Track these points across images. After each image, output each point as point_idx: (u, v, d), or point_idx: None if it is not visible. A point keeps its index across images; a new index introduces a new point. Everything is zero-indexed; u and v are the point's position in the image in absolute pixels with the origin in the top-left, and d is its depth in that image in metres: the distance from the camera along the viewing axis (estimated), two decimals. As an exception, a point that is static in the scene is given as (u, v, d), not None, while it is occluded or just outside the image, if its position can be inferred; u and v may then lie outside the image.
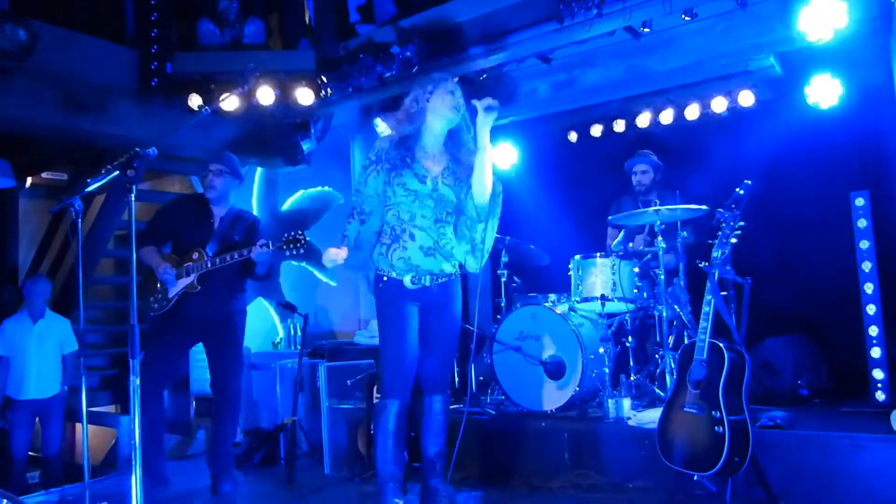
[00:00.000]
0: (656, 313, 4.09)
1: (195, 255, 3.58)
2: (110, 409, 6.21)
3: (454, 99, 2.82)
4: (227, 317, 3.67)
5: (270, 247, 3.43)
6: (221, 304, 3.64)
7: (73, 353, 4.66)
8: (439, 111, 2.82)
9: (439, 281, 2.86)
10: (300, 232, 3.43)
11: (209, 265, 3.53)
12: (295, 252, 3.40)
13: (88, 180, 2.48)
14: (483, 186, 2.79)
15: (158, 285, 3.63)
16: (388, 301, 2.85)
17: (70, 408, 4.83)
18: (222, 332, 3.66)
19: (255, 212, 6.16)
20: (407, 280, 2.82)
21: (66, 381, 4.67)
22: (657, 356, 4.11)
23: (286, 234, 3.42)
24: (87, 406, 2.76)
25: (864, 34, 3.88)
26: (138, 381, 2.27)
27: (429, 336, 2.90)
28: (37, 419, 4.67)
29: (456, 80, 2.93)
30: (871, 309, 3.60)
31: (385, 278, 2.85)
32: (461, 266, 2.96)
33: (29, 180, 6.52)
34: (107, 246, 5.88)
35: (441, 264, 2.85)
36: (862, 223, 3.65)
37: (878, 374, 3.57)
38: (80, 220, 2.64)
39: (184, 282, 3.57)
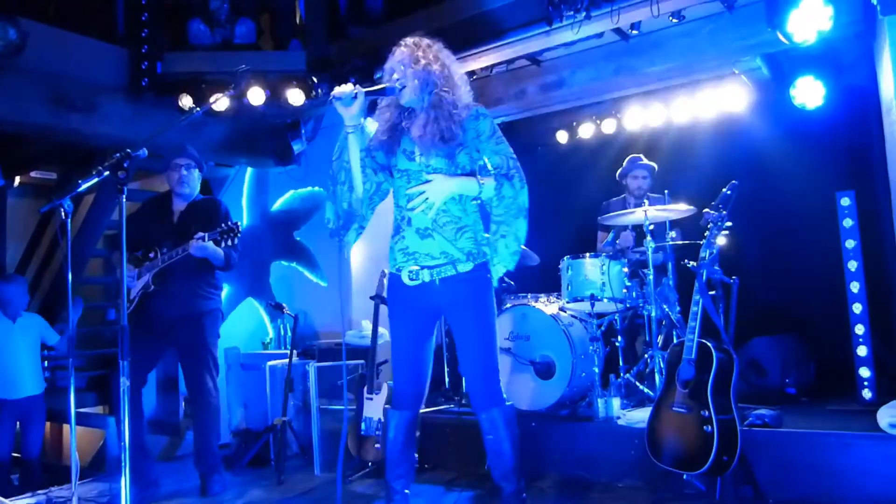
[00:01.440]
0: (645, 313, 4.13)
1: (151, 255, 3.56)
2: (97, 409, 6.17)
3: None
4: (192, 317, 3.61)
5: (206, 240, 3.37)
6: (183, 302, 3.58)
7: (62, 339, 4.62)
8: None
9: (443, 275, 2.53)
10: (234, 222, 3.41)
11: (159, 263, 3.51)
12: (231, 243, 3.37)
13: (79, 181, 2.47)
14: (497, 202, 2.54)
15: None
16: (389, 300, 2.70)
17: (55, 409, 4.79)
18: (188, 333, 3.61)
19: (244, 212, 6.15)
20: (405, 276, 2.57)
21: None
22: (646, 356, 4.14)
23: (222, 225, 3.40)
24: (75, 407, 2.74)
25: (849, 37, 3.93)
26: (128, 383, 2.26)
27: (456, 344, 2.66)
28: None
29: None
30: (857, 308, 3.64)
31: (388, 274, 2.69)
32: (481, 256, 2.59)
33: (17, 179, 6.47)
34: (96, 246, 5.85)
35: (443, 247, 2.52)
36: (848, 223, 3.69)
37: (864, 372, 3.61)
38: (69, 221, 2.63)
39: (141, 282, 3.55)
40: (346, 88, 2.45)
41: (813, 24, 3.57)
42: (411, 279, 2.56)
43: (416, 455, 2.77)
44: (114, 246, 6.11)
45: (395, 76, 2.55)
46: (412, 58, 2.55)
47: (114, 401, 3.57)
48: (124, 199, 2.40)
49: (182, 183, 3.67)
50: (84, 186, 2.50)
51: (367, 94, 2.47)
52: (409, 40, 2.60)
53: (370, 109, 2.88)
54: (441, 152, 2.53)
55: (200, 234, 3.38)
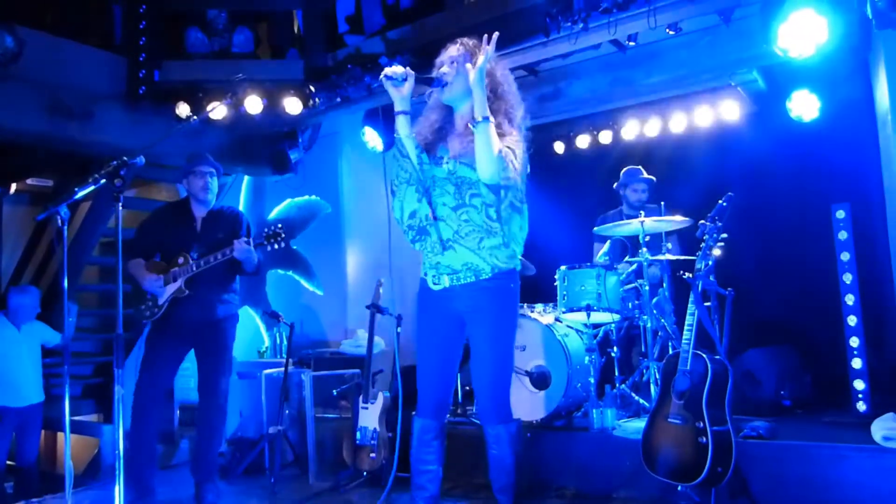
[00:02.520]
0: (641, 324, 4.13)
1: (180, 260, 3.58)
2: (93, 418, 6.14)
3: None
4: (217, 321, 3.66)
5: (251, 244, 3.43)
6: (212, 307, 3.63)
7: (65, 334, 4.62)
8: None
9: (463, 281, 2.49)
10: (279, 226, 3.46)
11: (194, 268, 3.53)
12: (276, 246, 3.43)
13: (76, 189, 2.47)
14: (482, 157, 2.35)
15: (148, 294, 3.63)
16: (418, 305, 2.63)
17: (51, 417, 4.77)
18: (212, 338, 3.65)
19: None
20: (429, 280, 2.56)
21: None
22: (642, 366, 4.14)
23: (266, 230, 3.46)
24: (70, 415, 2.73)
25: (845, 50, 3.96)
26: (122, 392, 2.25)
27: (472, 353, 2.58)
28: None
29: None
30: (852, 320, 3.65)
31: (420, 279, 2.63)
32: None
33: (13, 186, 6.47)
34: (92, 253, 5.84)
35: (464, 258, 2.48)
36: (843, 235, 3.70)
37: (859, 384, 3.61)
38: (65, 228, 2.63)
39: (172, 287, 3.57)
40: (399, 69, 2.41)
41: (809, 38, 3.59)
42: (435, 284, 2.54)
43: (441, 469, 2.65)
44: (111, 253, 6.11)
45: (445, 69, 2.50)
46: (458, 56, 2.51)
47: (114, 409, 3.56)
48: (120, 208, 2.40)
49: (207, 189, 3.70)
50: (80, 194, 2.50)
51: (416, 79, 2.44)
52: (468, 40, 2.55)
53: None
54: (468, 159, 2.45)
55: (245, 238, 3.44)
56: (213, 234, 3.63)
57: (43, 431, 5.07)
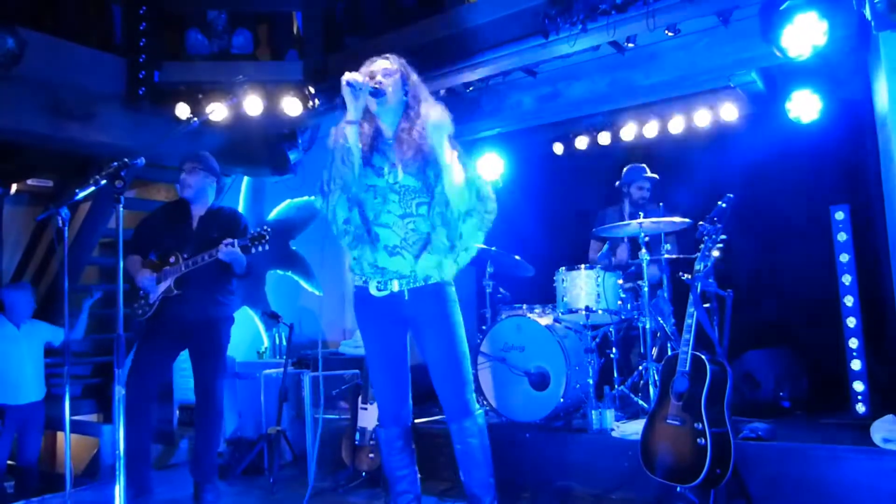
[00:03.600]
0: (640, 325, 4.13)
1: (171, 259, 3.58)
2: (93, 417, 6.15)
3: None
4: (210, 322, 3.65)
5: (236, 245, 3.39)
6: (203, 307, 3.62)
7: (75, 329, 4.63)
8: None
9: (412, 286, 2.53)
10: (265, 228, 3.44)
11: (183, 268, 3.53)
12: (261, 248, 3.39)
13: (76, 190, 2.47)
14: (455, 194, 2.45)
15: (141, 292, 3.64)
16: (357, 313, 2.66)
17: (51, 416, 4.78)
18: (206, 338, 3.64)
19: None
20: (372, 287, 2.56)
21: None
22: (641, 368, 4.15)
23: (251, 232, 3.43)
24: (70, 415, 2.74)
25: (844, 51, 3.96)
26: (123, 392, 2.26)
27: (425, 355, 2.61)
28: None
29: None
30: (851, 322, 3.65)
31: (354, 287, 2.64)
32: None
33: (14, 187, 6.48)
34: (92, 253, 5.84)
35: (412, 265, 2.52)
36: (842, 237, 3.71)
37: (858, 386, 3.61)
38: (66, 229, 2.63)
39: (163, 286, 3.57)
40: (359, 78, 2.44)
41: (808, 39, 3.60)
42: (379, 290, 2.55)
43: (416, 469, 2.71)
44: (111, 254, 6.11)
45: (379, 78, 2.53)
46: (393, 69, 2.57)
47: (114, 409, 3.55)
48: (121, 209, 2.40)
49: (184, 186, 3.68)
50: (81, 195, 2.51)
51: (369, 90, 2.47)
52: (389, 55, 2.62)
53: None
54: (412, 170, 2.52)
55: (229, 240, 3.41)
56: (208, 233, 3.61)
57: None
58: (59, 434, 6.18)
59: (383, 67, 2.57)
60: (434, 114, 2.50)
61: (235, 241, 3.41)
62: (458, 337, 2.59)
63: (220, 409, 3.68)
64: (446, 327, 2.57)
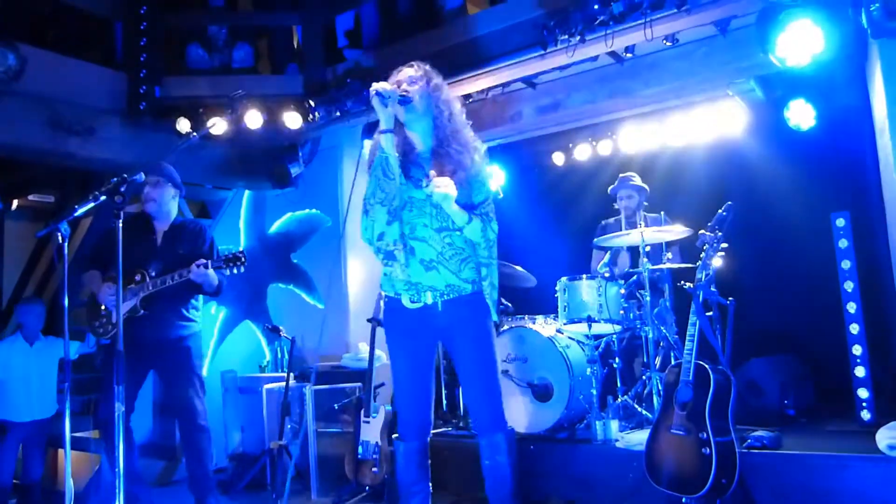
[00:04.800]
0: (643, 334, 4.12)
1: (137, 277, 3.45)
2: (93, 434, 6.12)
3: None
4: (176, 342, 3.55)
5: (209, 267, 3.33)
6: (169, 327, 3.52)
7: (84, 343, 4.62)
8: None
9: (446, 298, 2.51)
10: (240, 251, 3.38)
11: (150, 287, 3.41)
12: (235, 271, 3.33)
13: (76, 206, 2.48)
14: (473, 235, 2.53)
15: (103, 309, 3.52)
16: (387, 324, 2.63)
17: (52, 433, 4.76)
18: (173, 359, 3.54)
19: (242, 234, 6.16)
20: (405, 299, 2.53)
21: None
22: (644, 377, 4.13)
23: (225, 253, 3.37)
24: (71, 431, 2.72)
25: (841, 59, 3.97)
26: (123, 408, 2.24)
27: (457, 368, 2.61)
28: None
29: None
30: (854, 328, 3.64)
31: (385, 298, 2.62)
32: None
33: (15, 202, 6.49)
34: (93, 269, 5.84)
35: (447, 279, 2.50)
36: (843, 243, 3.70)
37: (862, 393, 3.60)
38: (66, 245, 2.63)
39: (127, 305, 3.41)
40: (388, 86, 2.42)
41: (805, 47, 3.61)
42: (413, 301, 2.52)
43: (430, 485, 2.67)
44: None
45: (405, 87, 2.50)
46: (418, 76, 2.54)
47: (102, 426, 3.49)
48: (120, 224, 2.40)
49: (147, 200, 3.57)
50: (80, 211, 2.51)
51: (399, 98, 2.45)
52: (414, 63, 2.59)
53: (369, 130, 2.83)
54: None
55: (202, 261, 3.33)
56: (174, 249, 3.51)
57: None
58: (61, 451, 6.15)
59: (408, 75, 2.54)
60: (469, 136, 2.53)
61: (209, 262, 3.33)
62: (493, 349, 2.57)
63: (202, 424, 3.58)
64: (481, 339, 2.55)
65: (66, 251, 2.64)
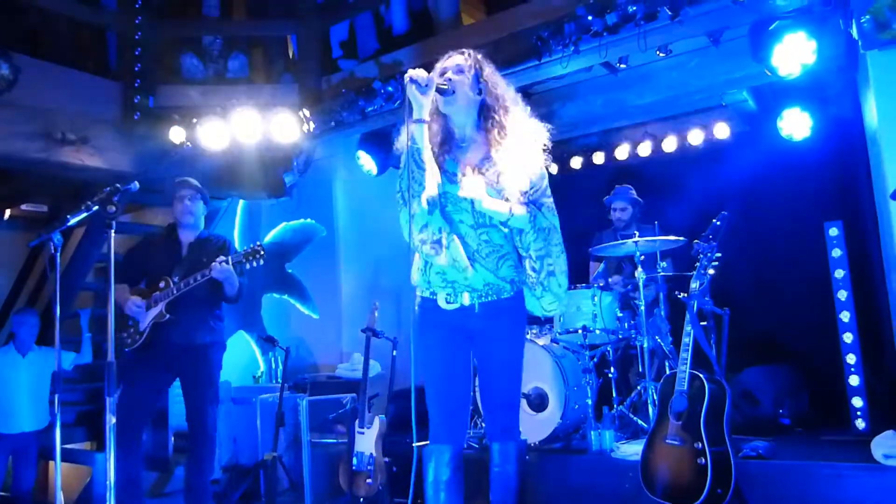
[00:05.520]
0: (638, 344, 4.12)
1: (161, 284, 3.55)
2: (85, 445, 6.07)
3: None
4: (201, 348, 3.60)
5: (229, 262, 3.38)
6: (194, 332, 3.57)
7: (79, 355, 4.60)
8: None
9: (484, 300, 2.37)
10: (258, 243, 3.43)
11: (175, 291, 3.49)
12: (255, 264, 3.38)
13: (68, 216, 2.47)
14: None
15: (130, 321, 3.59)
16: (420, 325, 2.46)
17: (43, 444, 4.72)
18: (196, 365, 3.59)
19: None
20: (441, 298, 2.40)
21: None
22: (640, 387, 4.12)
23: (244, 247, 3.42)
24: (62, 443, 2.70)
25: (833, 70, 4.00)
26: (114, 421, 2.22)
27: (482, 371, 2.49)
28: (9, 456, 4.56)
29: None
30: (847, 337, 3.65)
31: (420, 298, 2.46)
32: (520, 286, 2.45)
33: (7, 212, 6.46)
34: (86, 278, 5.81)
35: (485, 278, 2.36)
36: (836, 253, 3.72)
37: (857, 402, 3.60)
38: (58, 255, 2.62)
39: (153, 312, 3.52)
40: (424, 74, 2.25)
41: (797, 58, 3.64)
42: (448, 302, 2.39)
43: (463, 501, 2.46)
44: (106, 278, 6.07)
45: (449, 75, 2.34)
46: (467, 65, 2.38)
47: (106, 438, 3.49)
48: (112, 234, 2.39)
49: (185, 213, 3.68)
50: (73, 221, 2.51)
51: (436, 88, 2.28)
52: (465, 50, 2.43)
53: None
54: (487, 180, 2.34)
55: (222, 257, 3.39)
56: (199, 258, 3.58)
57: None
58: (52, 463, 6.09)
59: (456, 63, 2.38)
60: (523, 126, 2.39)
61: (229, 257, 3.40)
62: (522, 359, 2.50)
63: (212, 435, 3.62)
64: (513, 344, 2.47)
65: (58, 261, 2.63)
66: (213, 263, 3.38)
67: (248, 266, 3.41)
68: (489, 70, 2.42)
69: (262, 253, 3.39)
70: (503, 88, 2.44)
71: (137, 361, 3.55)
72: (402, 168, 2.32)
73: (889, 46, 3.35)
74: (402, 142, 2.32)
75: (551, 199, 2.46)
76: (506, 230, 2.38)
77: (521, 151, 2.37)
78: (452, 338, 2.42)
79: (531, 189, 2.37)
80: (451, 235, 2.34)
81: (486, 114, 2.39)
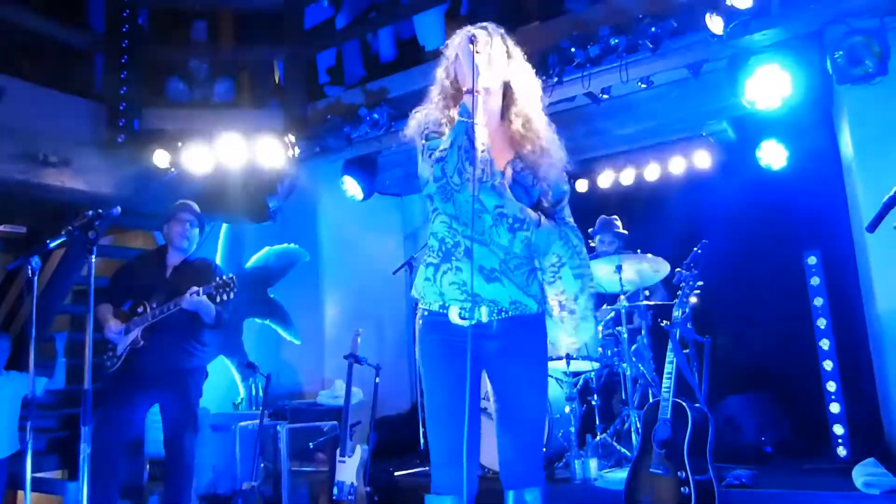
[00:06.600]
0: (621, 371, 4.12)
1: (139, 310, 3.51)
2: (56, 474, 5.91)
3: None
4: (180, 373, 3.54)
5: (201, 294, 3.35)
6: (171, 358, 3.51)
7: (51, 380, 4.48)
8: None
9: (503, 316, 1.99)
10: (230, 276, 3.39)
11: (150, 318, 3.45)
12: (226, 297, 3.34)
13: (48, 240, 2.44)
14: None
15: (109, 343, 3.56)
16: (425, 343, 2.05)
17: (11, 472, 4.58)
18: (174, 390, 3.53)
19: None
20: (453, 314, 1.98)
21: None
22: (623, 414, 4.11)
23: (216, 279, 3.38)
24: (32, 471, 2.63)
25: (809, 102, 4.10)
26: (89, 450, 2.17)
27: (500, 399, 2.07)
28: None
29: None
30: (828, 365, 3.68)
31: (425, 312, 2.04)
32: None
33: (-15, 234, 6.36)
34: (64, 301, 5.72)
35: (514, 295, 1.99)
36: (815, 281, 3.77)
37: (838, 429, 3.63)
38: (35, 279, 2.58)
39: (129, 337, 3.48)
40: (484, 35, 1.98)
41: (775, 91, 3.73)
42: (462, 317, 1.97)
43: None
44: (84, 301, 5.98)
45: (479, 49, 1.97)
46: (498, 44, 2.04)
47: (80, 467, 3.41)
48: (93, 259, 2.37)
49: (182, 236, 3.65)
50: (53, 245, 2.48)
51: None
52: (487, 24, 2.08)
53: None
54: (520, 178, 2.07)
55: (194, 288, 3.35)
56: (181, 283, 3.53)
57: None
58: (20, 493, 5.92)
59: (483, 39, 1.99)
60: (543, 123, 2.14)
61: (200, 289, 3.35)
62: (546, 381, 2.14)
63: (189, 463, 3.54)
64: (537, 374, 2.07)
65: (35, 284, 2.59)
66: (185, 294, 3.34)
67: (219, 299, 3.35)
68: (512, 46, 2.16)
69: (232, 286, 3.33)
70: (535, 82, 2.26)
71: (115, 386, 3.50)
72: (450, 151, 1.90)
73: (862, 81, 3.44)
74: (413, 129, 2.04)
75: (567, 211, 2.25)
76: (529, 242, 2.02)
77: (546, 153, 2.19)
78: (461, 362, 1.87)
79: (560, 201, 2.19)
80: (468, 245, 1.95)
81: (514, 102, 2.20)
